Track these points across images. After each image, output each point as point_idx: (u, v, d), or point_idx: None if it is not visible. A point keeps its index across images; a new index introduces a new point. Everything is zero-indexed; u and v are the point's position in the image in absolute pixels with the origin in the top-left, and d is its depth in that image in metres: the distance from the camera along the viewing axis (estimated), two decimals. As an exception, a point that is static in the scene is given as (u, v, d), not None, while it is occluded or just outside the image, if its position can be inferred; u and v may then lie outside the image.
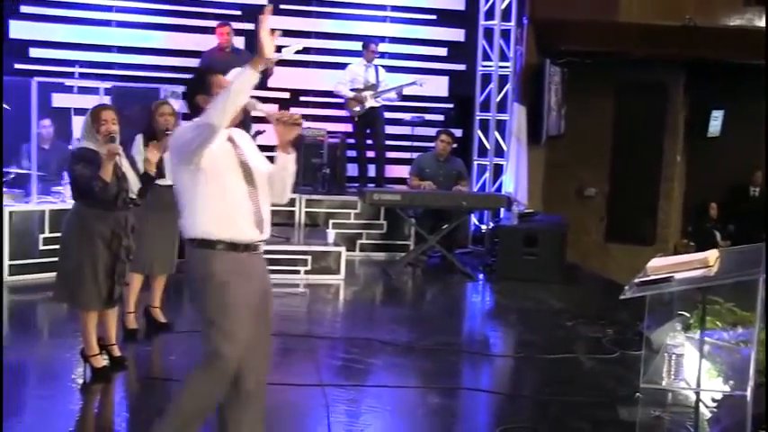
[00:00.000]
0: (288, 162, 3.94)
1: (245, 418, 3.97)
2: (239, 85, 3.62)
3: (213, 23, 10.11)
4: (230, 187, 3.81)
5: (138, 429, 4.97)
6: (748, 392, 3.65)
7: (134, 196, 5.56)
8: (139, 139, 6.22)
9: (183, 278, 8.08)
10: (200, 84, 3.97)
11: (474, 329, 7.89)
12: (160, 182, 6.23)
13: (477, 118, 11.21)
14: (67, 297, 5.45)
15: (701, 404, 4.87)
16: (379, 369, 6.22)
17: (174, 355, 6.29)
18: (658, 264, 3.70)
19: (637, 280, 3.67)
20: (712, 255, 3.67)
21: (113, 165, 5.33)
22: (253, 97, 3.80)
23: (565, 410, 5.41)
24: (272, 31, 3.63)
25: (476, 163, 11.26)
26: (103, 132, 5.36)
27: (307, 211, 9.96)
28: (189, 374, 3.89)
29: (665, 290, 3.56)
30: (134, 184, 5.58)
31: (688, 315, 5.82)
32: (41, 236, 8.06)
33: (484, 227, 11.01)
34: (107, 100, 8.60)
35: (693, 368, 5.44)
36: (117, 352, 5.67)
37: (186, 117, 4.38)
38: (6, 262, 7.95)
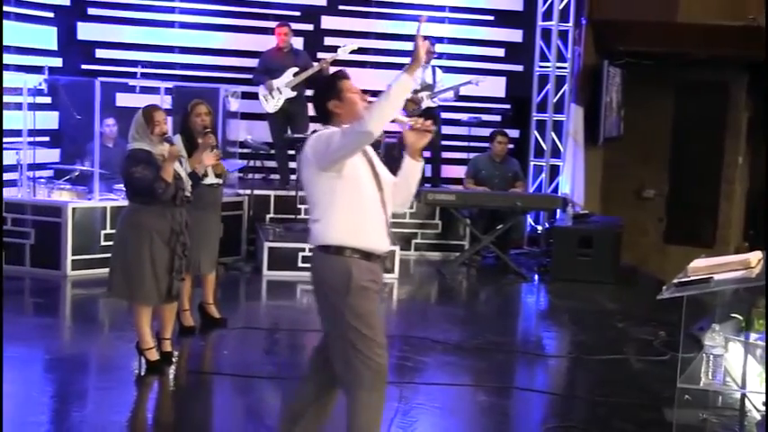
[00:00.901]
0: (416, 170, 3.95)
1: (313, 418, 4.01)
2: (398, 91, 3.59)
3: (273, 24, 10.25)
4: (367, 196, 3.80)
5: (187, 421, 5.14)
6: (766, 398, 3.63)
7: (188, 194, 5.70)
8: (178, 139, 6.28)
9: (235, 275, 8.41)
10: (330, 90, 3.92)
11: (526, 329, 7.90)
12: (203, 181, 6.39)
13: (534, 119, 11.19)
14: (127, 293, 5.60)
15: (748, 406, 4.86)
16: (429, 367, 6.28)
17: (227, 350, 6.45)
18: (699, 264, 3.70)
19: (676, 280, 3.68)
20: (755, 256, 3.66)
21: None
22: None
23: (611, 411, 5.41)
24: (424, 38, 3.66)
25: (532, 164, 11.24)
26: (158, 133, 5.51)
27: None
28: (351, 394, 3.82)
29: (703, 291, 3.56)
30: (187, 182, 5.72)
31: (740, 317, 5.79)
32: (103, 232, 8.28)
33: (540, 228, 10.98)
34: (168, 100, 8.83)
35: (749, 371, 5.45)
36: (168, 347, 5.82)
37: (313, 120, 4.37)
38: (69, 257, 8.21)
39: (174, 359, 5.86)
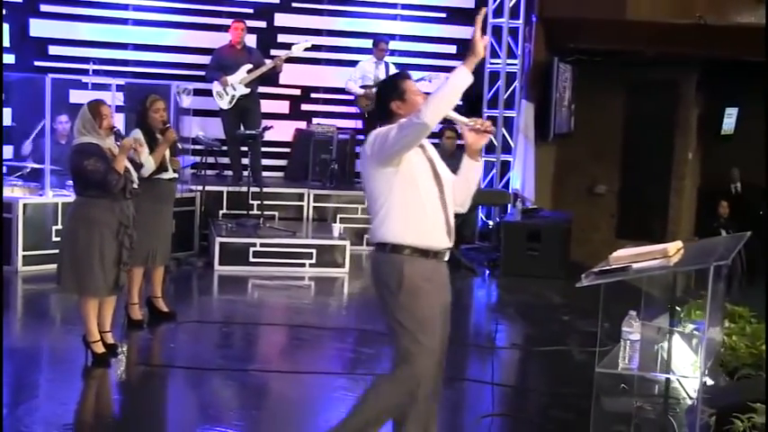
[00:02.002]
0: (476, 169, 4.00)
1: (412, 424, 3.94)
2: (456, 84, 3.61)
3: (226, 21, 10.31)
4: (426, 193, 3.80)
5: (133, 412, 5.21)
6: (692, 382, 3.78)
7: (136, 186, 5.77)
8: (138, 133, 6.39)
9: (187, 270, 8.44)
10: (394, 90, 3.93)
11: (473, 322, 8.00)
12: (163, 175, 6.51)
13: (485, 115, 11.31)
14: (75, 286, 5.66)
15: (689, 393, 5.03)
16: (372, 358, 6.39)
17: (173, 343, 6.52)
18: (621, 254, 3.84)
19: (596, 269, 3.82)
20: (674, 246, 3.80)
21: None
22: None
23: (552, 401, 5.57)
24: (482, 34, 3.70)
25: (483, 159, 11.33)
26: (105, 126, 5.60)
27: (315, 206, 10.12)
28: (377, 379, 3.94)
29: (620, 278, 3.70)
30: (134, 175, 5.80)
31: (679, 309, 5.95)
32: (54, 228, 8.28)
33: (491, 223, 11.12)
34: (120, 96, 8.85)
35: (682, 359, 5.61)
36: (110, 339, 5.88)
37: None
38: (20, 252, 8.21)
39: (118, 351, 5.92)
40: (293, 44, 10.01)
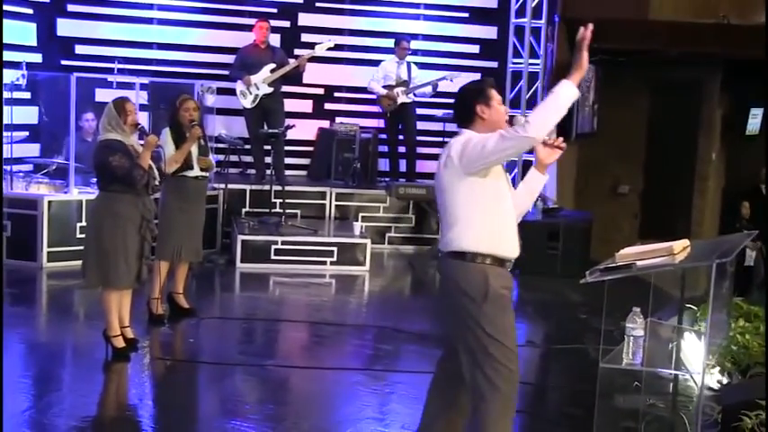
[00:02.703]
0: (541, 182, 4.07)
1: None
2: (564, 98, 3.64)
3: (249, 21, 10.41)
4: (505, 201, 3.83)
5: (151, 406, 5.33)
6: (699, 378, 3.81)
7: (158, 183, 5.90)
8: (166, 132, 6.55)
9: (209, 267, 8.54)
10: (481, 94, 3.91)
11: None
12: (188, 173, 6.63)
13: (508, 115, 11.33)
14: (100, 279, 5.79)
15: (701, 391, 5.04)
16: (391, 355, 6.47)
17: (193, 338, 6.63)
18: (628, 251, 3.88)
19: (602, 266, 3.86)
20: (680, 244, 3.83)
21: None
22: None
23: (563, 398, 5.61)
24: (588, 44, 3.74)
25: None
26: (130, 123, 5.73)
27: (337, 205, 10.19)
28: (479, 412, 3.76)
29: (624, 275, 3.74)
30: (156, 172, 5.92)
31: (695, 308, 5.98)
32: (78, 224, 8.41)
33: (514, 222, 11.12)
34: (143, 95, 8.97)
35: (695, 357, 5.63)
36: (131, 334, 5.99)
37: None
38: (45, 249, 8.35)
39: (138, 346, 6.02)
40: (317, 44, 10.08)
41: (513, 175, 11.33)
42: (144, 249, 5.81)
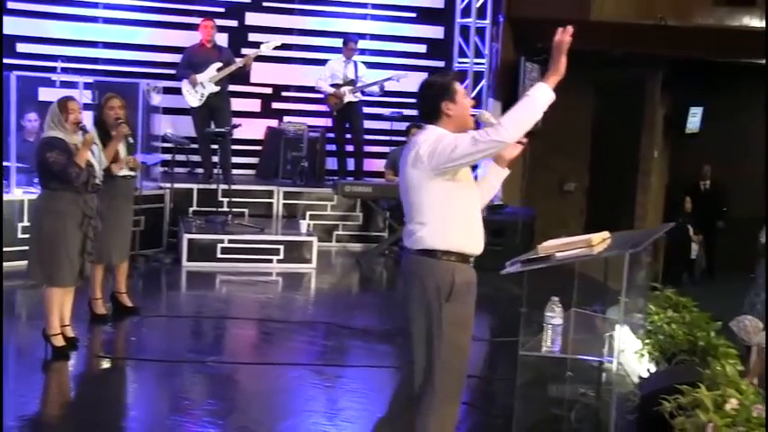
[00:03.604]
0: (501, 176, 4.12)
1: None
2: (539, 102, 3.64)
3: (196, 20, 10.41)
4: (474, 200, 3.90)
5: (90, 404, 5.36)
6: (614, 366, 3.96)
7: (99, 182, 5.92)
8: (93, 131, 6.52)
9: (155, 266, 8.55)
10: (446, 90, 3.89)
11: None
12: (117, 173, 6.62)
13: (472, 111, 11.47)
14: (45, 276, 5.83)
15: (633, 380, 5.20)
16: (337, 350, 6.56)
17: (135, 337, 6.66)
18: (549, 244, 4.01)
19: (523, 257, 3.99)
20: (599, 236, 3.97)
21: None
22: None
23: (501, 389, 5.74)
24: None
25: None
26: (72, 121, 5.77)
27: (284, 203, 10.25)
28: (425, 406, 3.83)
29: (543, 266, 3.87)
30: (99, 170, 5.94)
31: (627, 300, 6.15)
32: (20, 224, 8.36)
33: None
34: (87, 94, 8.96)
35: (627, 346, 5.80)
36: (71, 333, 6.04)
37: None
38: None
39: (78, 345, 6.06)
40: (263, 43, 10.13)
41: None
42: (86, 246, 5.85)
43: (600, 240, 3.89)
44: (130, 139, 6.78)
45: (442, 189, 3.77)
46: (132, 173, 6.86)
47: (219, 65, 9.92)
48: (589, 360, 4.30)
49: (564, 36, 3.74)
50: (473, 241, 3.89)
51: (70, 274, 5.80)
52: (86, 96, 8.98)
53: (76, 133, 5.87)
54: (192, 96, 9.96)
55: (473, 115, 4.05)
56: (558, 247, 3.89)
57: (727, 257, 13.96)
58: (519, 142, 3.89)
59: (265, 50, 10.04)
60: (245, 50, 10.52)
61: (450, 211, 3.80)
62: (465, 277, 3.87)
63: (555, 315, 3.91)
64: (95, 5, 10.55)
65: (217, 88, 9.96)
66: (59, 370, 5.79)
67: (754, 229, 11.27)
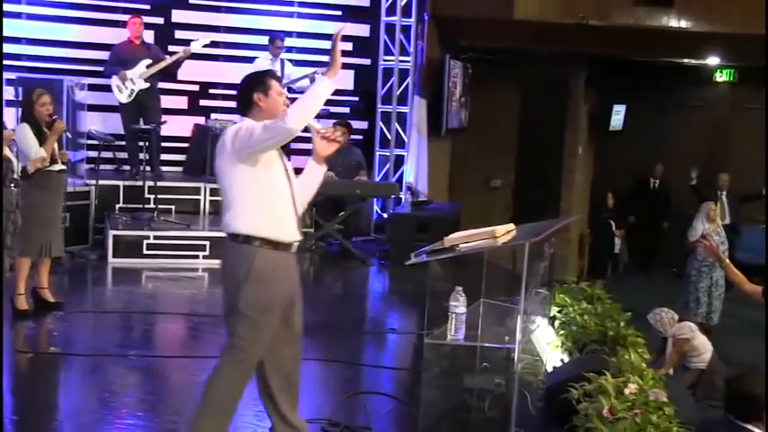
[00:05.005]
0: (319, 173, 4.26)
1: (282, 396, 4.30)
2: (320, 93, 3.88)
3: (123, 17, 10.40)
4: (278, 188, 4.05)
5: (13, 398, 5.34)
6: (516, 353, 4.14)
7: (17, 176, 5.94)
8: (25, 127, 6.56)
9: (81, 263, 8.56)
10: (259, 82, 4.12)
11: (352, 309, 8.26)
12: (53, 167, 6.68)
13: (380, 110, 11.64)
14: None
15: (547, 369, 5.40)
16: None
17: (57, 332, 6.66)
18: (456, 236, 4.18)
19: (429, 248, 4.15)
20: (504, 228, 4.15)
21: None
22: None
23: (418, 380, 5.87)
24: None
25: (378, 154, 11.68)
26: None
27: (212, 200, 10.26)
28: (217, 365, 4.11)
29: (447, 256, 4.03)
30: (16, 165, 5.95)
31: (546, 293, 6.38)
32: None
33: (386, 215, 11.44)
34: (10, 90, 8.90)
35: (544, 338, 6.01)
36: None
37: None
38: None
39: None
40: (191, 40, 10.14)
41: (386, 167, 11.65)
42: (6, 240, 5.84)
43: (504, 232, 4.07)
44: (68, 134, 6.83)
45: (244, 176, 3.97)
46: (64, 167, 6.92)
47: (149, 61, 9.92)
48: (495, 348, 4.45)
49: (338, 34, 4.03)
50: (278, 228, 4.05)
51: None
52: (9, 93, 8.92)
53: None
54: (122, 92, 9.93)
55: None
56: (464, 239, 4.05)
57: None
58: (335, 140, 4.15)
59: (196, 48, 10.05)
60: (171, 48, 10.51)
61: (252, 197, 4.00)
62: (269, 262, 4.02)
63: (459, 304, 4.09)
64: (18, 1, 10.46)
65: (146, 85, 9.95)
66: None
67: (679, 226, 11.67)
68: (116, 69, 9.94)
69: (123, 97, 9.97)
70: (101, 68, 10.18)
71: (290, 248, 4.13)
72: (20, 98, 9.23)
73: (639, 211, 14.23)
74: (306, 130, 3.99)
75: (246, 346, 4.05)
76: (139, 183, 9.69)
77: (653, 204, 14.26)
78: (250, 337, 4.04)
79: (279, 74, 10.43)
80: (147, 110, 10.03)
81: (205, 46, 10.22)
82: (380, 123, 11.68)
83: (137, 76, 9.90)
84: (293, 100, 3.99)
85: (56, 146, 6.69)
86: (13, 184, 5.94)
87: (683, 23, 11.58)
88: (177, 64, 10.07)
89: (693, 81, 14.56)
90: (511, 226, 4.24)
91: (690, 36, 11.54)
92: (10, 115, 8.79)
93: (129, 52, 10.03)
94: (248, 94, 4.12)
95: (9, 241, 5.91)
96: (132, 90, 9.94)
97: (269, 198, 4.03)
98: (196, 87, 11.23)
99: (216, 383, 4.10)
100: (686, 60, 13.43)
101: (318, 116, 11.01)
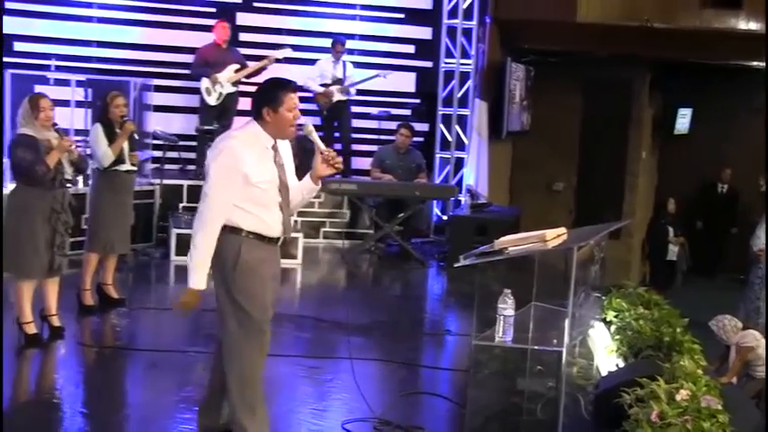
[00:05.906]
0: (313, 190, 4.37)
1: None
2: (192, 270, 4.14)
3: (189, 20, 10.62)
4: (270, 189, 4.17)
5: (63, 391, 5.48)
6: (563, 355, 4.14)
7: (69, 177, 6.13)
8: (98, 127, 6.77)
9: (144, 260, 8.72)
10: (270, 99, 4.14)
11: (410, 309, 8.26)
12: (121, 167, 6.87)
13: (440, 113, 11.67)
14: (14, 268, 6.00)
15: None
16: (305, 342, 6.76)
17: (120, 327, 6.82)
18: (506, 239, 4.20)
19: (477, 251, 4.17)
20: (554, 232, 4.16)
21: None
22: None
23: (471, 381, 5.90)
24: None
25: (438, 156, 11.72)
26: (42, 119, 5.93)
27: (275, 200, 10.39)
28: (228, 347, 4.25)
29: (496, 259, 4.05)
30: (68, 167, 6.12)
31: (604, 297, 6.37)
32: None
33: (445, 217, 11.46)
34: (80, 92, 9.15)
35: (600, 343, 5.99)
36: (56, 322, 6.22)
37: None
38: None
39: (64, 334, 6.24)
40: (255, 42, 10.31)
41: (446, 170, 11.68)
42: (55, 240, 6.00)
43: (554, 236, 4.08)
44: (136, 136, 7.03)
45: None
46: (133, 168, 7.09)
47: (237, 66, 10.11)
48: (544, 351, 4.46)
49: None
50: (265, 224, 4.17)
51: (38, 267, 5.95)
52: (79, 94, 9.16)
53: (49, 131, 6.02)
54: (211, 95, 10.12)
55: (300, 125, 4.32)
56: (514, 242, 4.07)
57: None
58: (333, 165, 4.23)
59: (279, 56, 10.21)
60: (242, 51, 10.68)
61: (242, 196, 4.14)
62: (255, 254, 4.16)
63: (507, 306, 4.12)
64: (89, 5, 10.73)
65: (233, 89, 10.17)
66: (31, 357, 5.96)
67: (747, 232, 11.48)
68: (206, 71, 10.13)
69: (212, 100, 10.16)
70: (166, 70, 10.39)
71: (274, 243, 4.28)
72: (89, 99, 9.56)
73: (706, 217, 14.02)
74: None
75: (237, 330, 4.19)
76: (202, 182, 9.83)
77: (720, 209, 14.05)
78: (235, 323, 4.18)
79: (341, 76, 10.70)
80: (227, 112, 10.22)
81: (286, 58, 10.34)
82: (441, 126, 11.70)
83: (225, 80, 10.09)
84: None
85: (126, 147, 6.86)
86: (68, 185, 6.12)
87: (752, 25, 11.40)
88: (261, 70, 10.22)
89: (762, 84, 14.29)
90: (562, 230, 4.25)
91: (758, 38, 11.34)
92: (80, 116, 9.07)
93: (216, 55, 10.22)
94: (259, 107, 4.18)
95: (59, 241, 6.03)
96: (221, 93, 10.14)
97: (259, 197, 4.16)
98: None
99: (233, 365, 4.25)
100: (755, 63, 13.19)
101: (379, 119, 11.18)
